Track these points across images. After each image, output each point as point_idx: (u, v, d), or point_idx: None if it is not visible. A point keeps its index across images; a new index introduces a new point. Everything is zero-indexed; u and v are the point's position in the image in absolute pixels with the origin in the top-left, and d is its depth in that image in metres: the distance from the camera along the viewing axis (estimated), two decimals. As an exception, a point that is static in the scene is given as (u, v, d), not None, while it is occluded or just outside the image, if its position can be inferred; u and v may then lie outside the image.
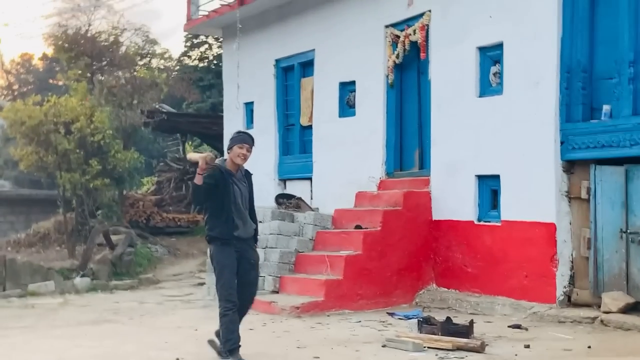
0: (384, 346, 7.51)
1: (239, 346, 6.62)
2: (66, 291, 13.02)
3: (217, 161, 6.81)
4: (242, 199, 6.78)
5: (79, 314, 10.49)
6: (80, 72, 19.02)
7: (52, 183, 19.95)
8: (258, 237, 7.18)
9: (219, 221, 6.70)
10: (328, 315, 9.73)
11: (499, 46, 10.18)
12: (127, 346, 7.85)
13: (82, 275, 13.78)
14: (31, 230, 19.54)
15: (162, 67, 27.56)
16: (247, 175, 6.95)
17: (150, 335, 8.59)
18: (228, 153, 6.88)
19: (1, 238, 20.99)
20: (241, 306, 6.73)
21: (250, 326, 8.74)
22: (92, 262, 14.43)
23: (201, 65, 30.45)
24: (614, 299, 8.71)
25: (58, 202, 17.78)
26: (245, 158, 6.77)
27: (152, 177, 26.03)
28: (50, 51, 24.83)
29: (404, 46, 11.64)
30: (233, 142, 6.80)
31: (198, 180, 6.49)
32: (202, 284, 13.27)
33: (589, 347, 7.42)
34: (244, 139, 6.80)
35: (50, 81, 34.57)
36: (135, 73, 19.73)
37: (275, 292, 10.72)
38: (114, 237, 15.95)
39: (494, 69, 10.35)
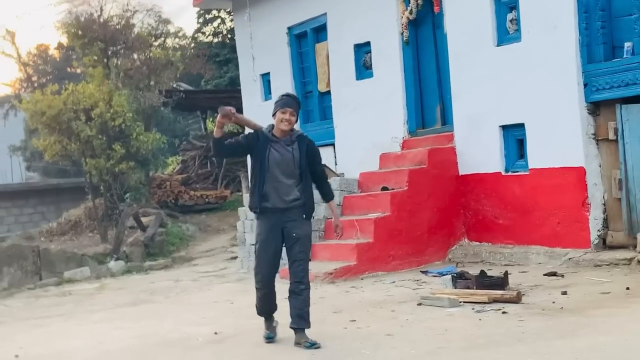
0: (419, 304, 7.52)
1: (266, 309, 6.46)
2: (101, 276, 13.14)
3: (264, 127, 6.42)
4: (283, 166, 6.23)
5: (116, 297, 10.59)
6: (95, 57, 18.98)
7: (78, 171, 20.13)
8: (331, 197, 6.76)
9: (253, 190, 6.33)
10: (362, 279, 9.73)
11: (515, -9, 10.02)
12: (165, 324, 7.91)
13: (116, 259, 13.91)
14: (62, 218, 19.75)
15: (176, 45, 27.50)
16: (301, 139, 6.39)
17: (188, 312, 8.65)
18: (273, 119, 6.39)
19: (34, 228, 21.26)
20: (295, 280, 6.26)
21: (286, 295, 8.77)
22: (124, 245, 14.57)
23: (216, 40, 30.39)
24: (649, 238, 8.63)
25: (86, 189, 17.95)
26: (290, 123, 6.27)
27: (176, 156, 26.16)
28: (64, 40, 24.83)
29: (417, 1, 11.47)
30: (276, 107, 6.36)
31: (216, 133, 6.28)
32: (234, 258, 13.33)
33: (628, 288, 7.35)
34: (286, 102, 6.34)
35: (68, 70, 34.73)
36: (150, 54, 19.67)
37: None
38: (144, 219, 16.07)
39: (510, 16, 10.17)
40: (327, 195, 6.68)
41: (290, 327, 6.24)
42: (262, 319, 6.53)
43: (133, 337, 7.34)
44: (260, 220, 6.39)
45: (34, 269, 12.96)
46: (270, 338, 6.44)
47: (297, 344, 6.14)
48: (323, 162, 12.81)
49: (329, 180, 10.37)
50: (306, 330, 6.21)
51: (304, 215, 6.37)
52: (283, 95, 6.55)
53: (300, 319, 6.21)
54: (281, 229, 6.26)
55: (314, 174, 6.45)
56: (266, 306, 6.46)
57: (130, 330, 7.77)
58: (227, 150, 6.62)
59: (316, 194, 6.55)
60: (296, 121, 6.39)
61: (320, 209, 11.14)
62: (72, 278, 12.88)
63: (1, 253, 12.95)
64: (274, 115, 6.34)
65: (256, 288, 6.42)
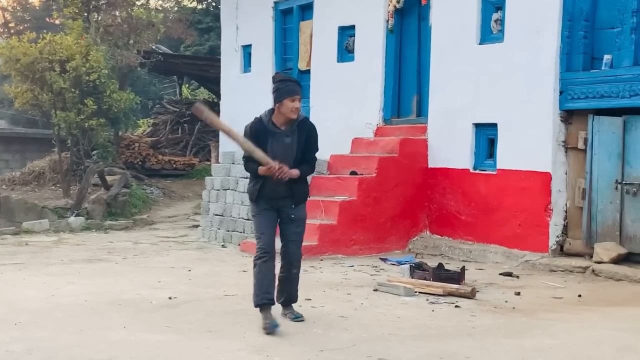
0: (375, 290, 7.57)
1: (268, 302, 5.92)
2: (60, 230, 13.06)
3: (262, 114, 6.03)
4: (282, 158, 5.86)
5: (73, 252, 10.51)
6: (76, 10, 18.66)
7: (47, 122, 19.82)
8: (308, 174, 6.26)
9: (253, 180, 6.09)
10: (321, 259, 9.77)
11: (502, -8, 10.07)
12: (121, 284, 7.88)
13: (77, 215, 13.81)
14: (26, 168, 19.50)
15: (159, 7, 27.26)
16: (302, 126, 6.04)
17: (144, 274, 8.61)
18: (276, 105, 5.93)
19: (-4, 176, 20.98)
20: (287, 263, 6.12)
21: (244, 268, 8.80)
22: (86, 201, 14.46)
23: (200, 7, 30.12)
24: (606, 249, 8.77)
25: (53, 141, 17.72)
26: (298, 111, 5.94)
27: (148, 119, 25.95)
28: (46, -11, 24.45)
29: (404, -9, 11.49)
30: (282, 94, 5.88)
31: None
32: (196, 226, 13.32)
33: (580, 296, 7.48)
34: (295, 90, 5.92)
35: (47, 20, 34.17)
36: (132, 12, 19.43)
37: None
38: (109, 178, 15.93)
39: (495, 16, 10.23)
40: (302, 171, 6.05)
41: (278, 302, 6.15)
42: (252, 308, 6.04)
43: (86, 293, 7.31)
44: (257, 203, 6.06)
45: (-8, 216, 12.84)
46: (275, 326, 5.76)
47: (284, 315, 6.15)
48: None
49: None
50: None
51: (300, 201, 6.17)
52: (285, 80, 6.10)
53: (290, 300, 6.24)
54: (277, 210, 6.07)
55: (303, 157, 6.08)
56: (263, 282, 5.91)
57: (84, 286, 7.74)
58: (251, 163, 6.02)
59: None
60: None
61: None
62: (30, 229, 12.78)
63: (-39, 197, 12.79)
64: (279, 101, 5.89)
65: (254, 262, 6.00)
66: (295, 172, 5.95)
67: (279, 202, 6.04)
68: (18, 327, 5.85)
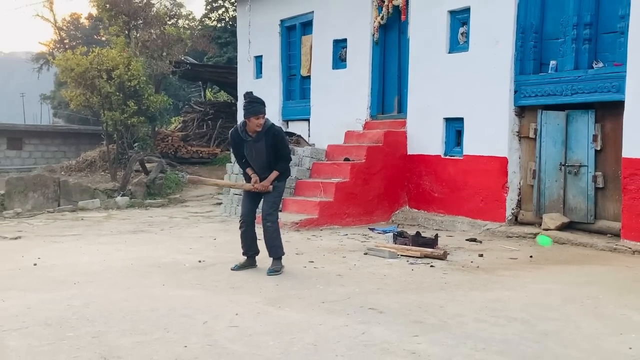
0: (365, 254, 7.58)
1: (247, 253, 6.64)
2: (109, 207, 13.05)
3: (238, 125, 6.39)
4: (257, 159, 6.38)
5: (120, 225, 10.52)
6: (118, 28, 18.63)
7: (97, 120, 19.78)
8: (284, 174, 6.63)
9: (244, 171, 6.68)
10: (321, 230, 9.78)
11: (467, 10, 10.00)
12: (159, 251, 7.89)
13: (122, 195, 13.79)
14: (80, 158, 19.52)
15: (186, 26, 27.06)
16: (268, 133, 6.28)
17: (178, 242, 8.62)
18: (245, 120, 6.28)
19: (56, 164, 20.98)
20: (262, 218, 6.47)
21: (259, 237, 8.78)
22: (130, 184, 14.44)
23: (219, 25, 30.01)
24: (552, 219, 8.78)
25: (102, 136, 17.72)
26: (261, 126, 6.21)
27: (178, 117, 25.88)
28: (94, 11, 24.27)
29: (387, 9, 11.43)
30: (249, 113, 6.18)
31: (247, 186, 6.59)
32: (219, 203, 13.32)
33: (531, 256, 7.50)
34: (259, 110, 6.20)
35: (95, 37, 34.02)
36: (164, 30, 19.34)
37: (279, 210, 10.74)
38: (148, 165, 15.93)
39: (461, 30, 10.18)
40: (278, 167, 6.48)
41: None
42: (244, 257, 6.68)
43: (132, 258, 7.31)
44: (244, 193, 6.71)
45: (54, 196, 12.81)
46: (235, 267, 6.54)
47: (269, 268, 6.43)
48: (299, 133, 12.88)
49: (302, 147, 10.43)
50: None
51: (277, 179, 6.53)
52: (252, 102, 6.24)
53: (270, 250, 6.51)
54: (259, 195, 6.56)
55: (277, 155, 6.42)
56: (244, 243, 6.61)
57: (129, 252, 7.75)
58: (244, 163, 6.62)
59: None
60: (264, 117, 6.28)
61: (293, 171, 11.16)
62: (85, 207, 12.78)
63: (28, 181, 12.76)
64: (247, 118, 6.21)
65: (239, 226, 6.62)
66: (271, 179, 6.46)
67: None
68: (76, 286, 5.85)
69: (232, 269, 6.51)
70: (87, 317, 4.74)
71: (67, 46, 31.95)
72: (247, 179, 6.63)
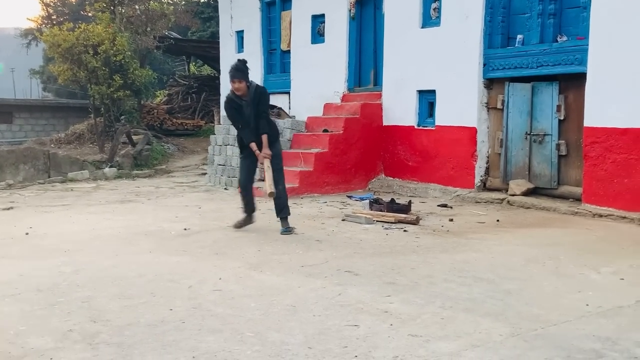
0: (343, 220, 7.64)
1: (248, 210, 6.98)
2: (97, 178, 12.94)
3: (229, 92, 6.73)
4: (247, 117, 6.64)
5: (108, 196, 10.46)
6: (104, 4, 18.23)
7: (84, 94, 19.51)
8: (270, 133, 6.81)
9: (239, 138, 6.88)
10: (301, 198, 9.81)
11: (438, -13, 9.94)
12: (146, 219, 7.88)
13: (110, 166, 13.68)
14: (69, 131, 19.23)
15: (170, 1, 26.55)
16: (256, 92, 6.68)
17: (164, 211, 8.61)
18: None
19: (46, 137, 20.70)
20: (274, 183, 6.66)
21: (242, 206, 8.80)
22: (117, 156, 14.31)
23: (202, 0, 29.47)
24: (518, 185, 8.89)
25: (90, 109, 17.46)
26: (240, 90, 6.58)
27: (163, 90, 25.57)
28: (79, -13, 23.75)
29: (363, -14, 11.32)
30: (230, 78, 6.61)
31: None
32: (204, 173, 13.27)
33: (498, 220, 7.61)
34: (232, 76, 6.58)
35: (81, 12, 33.31)
36: (148, 6, 18.98)
37: (262, 180, 10.68)
38: (134, 137, 15.73)
39: (434, 5, 10.13)
40: (262, 130, 6.68)
41: (277, 217, 6.88)
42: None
43: (120, 227, 7.31)
44: (241, 151, 6.92)
45: (44, 168, 12.68)
46: (238, 225, 6.94)
47: (282, 228, 6.75)
48: (279, 106, 12.79)
49: (282, 120, 10.39)
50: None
51: (271, 142, 6.72)
52: (231, 69, 6.61)
53: (282, 211, 6.82)
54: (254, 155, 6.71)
55: (257, 112, 6.65)
56: (246, 202, 6.97)
57: (118, 221, 7.73)
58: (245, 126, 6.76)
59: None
60: (246, 82, 6.57)
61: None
62: (74, 178, 12.66)
63: (19, 153, 12.61)
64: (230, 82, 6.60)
65: (240, 192, 7.05)
66: (265, 144, 6.66)
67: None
68: (67, 253, 5.85)
69: (234, 227, 6.91)
70: (77, 283, 4.75)
71: (54, 22, 31.23)
72: (242, 146, 6.83)
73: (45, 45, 18.61)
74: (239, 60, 6.74)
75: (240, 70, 6.61)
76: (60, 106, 26.96)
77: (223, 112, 13.62)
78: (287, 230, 6.73)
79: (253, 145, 6.66)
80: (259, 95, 6.67)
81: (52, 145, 17.14)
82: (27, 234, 6.89)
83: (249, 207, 6.99)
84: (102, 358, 3.29)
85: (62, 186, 11.89)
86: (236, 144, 7.19)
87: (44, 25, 32.45)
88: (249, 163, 6.92)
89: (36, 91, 37.21)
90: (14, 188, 11.55)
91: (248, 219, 7.02)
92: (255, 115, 6.64)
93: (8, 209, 8.99)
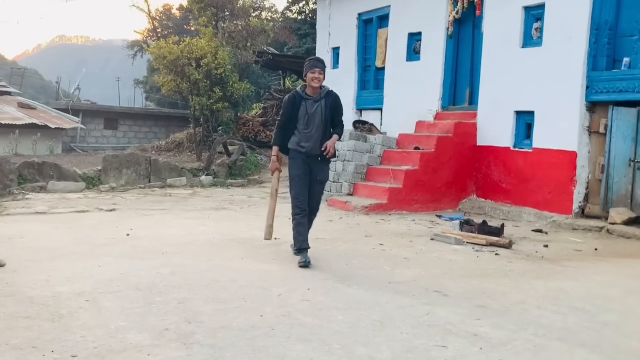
0: (432, 239, 7.56)
1: (305, 247, 5.87)
2: (194, 185, 13.42)
3: (297, 88, 6.07)
4: (314, 119, 5.90)
5: (203, 202, 10.81)
6: (207, 19, 19.00)
7: (185, 105, 20.31)
8: (340, 136, 6.11)
9: (289, 135, 6.04)
10: (389, 214, 9.78)
11: (542, 6, 9.72)
12: (239, 226, 8.10)
13: (206, 174, 14.15)
14: (169, 139, 20.14)
15: (269, 18, 27.33)
16: (328, 95, 5.98)
17: (255, 219, 8.77)
18: (304, 79, 6.02)
19: (148, 144, 21.71)
20: (310, 212, 6.07)
21: (330, 219, 8.90)
22: (213, 165, 14.79)
23: (299, 17, 30.11)
24: (619, 213, 8.49)
25: (189, 119, 18.22)
26: (319, 80, 5.90)
27: (259, 103, 26.23)
28: (185, 3, 24.88)
29: (463, 4, 11.22)
30: (306, 69, 5.92)
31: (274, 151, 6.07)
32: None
33: (596, 249, 7.29)
34: (314, 64, 5.91)
35: (185, 27, 34.81)
36: (249, 22, 19.62)
37: (350, 194, 10.82)
38: (230, 147, 16.25)
39: (535, 25, 9.90)
40: (337, 131, 6.07)
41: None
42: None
43: (214, 232, 7.54)
44: (295, 160, 5.99)
45: (145, 173, 13.28)
46: (308, 262, 5.76)
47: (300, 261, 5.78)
48: (371, 122, 12.86)
49: (374, 135, 10.24)
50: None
51: (328, 162, 6.14)
52: (311, 59, 6.09)
53: (305, 242, 5.90)
54: (309, 169, 5.98)
55: (333, 120, 6.01)
56: (302, 235, 5.89)
57: (212, 227, 7.98)
58: (285, 127, 6.06)
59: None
60: (323, 79, 5.97)
61: (364, 157, 11.19)
62: (172, 184, 13.19)
63: (122, 158, 13.28)
64: (305, 75, 5.94)
65: (294, 216, 5.94)
66: (334, 142, 5.96)
67: (311, 159, 5.97)
68: (164, 255, 6.09)
69: (301, 265, 5.72)
70: (173, 284, 4.95)
71: (159, 35, 32.83)
72: (278, 139, 6.06)
73: (150, 57, 19.58)
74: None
75: (322, 62, 6.07)
76: (162, 115, 28.23)
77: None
78: (305, 261, 5.76)
79: (275, 149, 6.03)
80: (335, 99, 6.01)
81: (153, 152, 17.99)
82: (127, 235, 7.24)
83: (306, 239, 5.91)
84: (195, 358, 3.41)
85: (161, 191, 12.40)
86: (290, 147, 6.06)
87: (149, 38, 34.16)
88: (304, 183, 5.97)
89: (139, 100, 39.15)
90: (116, 191, 12.17)
91: (305, 252, 5.84)
92: (326, 119, 5.94)
93: (111, 210, 9.48)
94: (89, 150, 23.80)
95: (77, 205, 9.80)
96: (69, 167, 13.13)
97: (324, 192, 10.28)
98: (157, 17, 37.53)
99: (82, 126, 25.88)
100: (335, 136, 6.02)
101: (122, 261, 5.78)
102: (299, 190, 5.95)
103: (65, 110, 25.92)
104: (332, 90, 6.08)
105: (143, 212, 9.29)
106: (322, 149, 5.94)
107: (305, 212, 5.95)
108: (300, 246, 5.88)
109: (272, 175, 6.15)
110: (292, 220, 5.99)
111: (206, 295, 4.63)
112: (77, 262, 5.68)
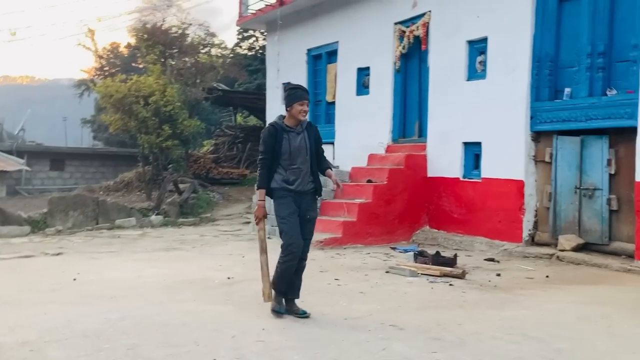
0: (387, 272, 7.57)
1: (290, 295, 5.36)
2: (144, 226, 13.19)
3: (275, 120, 5.37)
4: (298, 153, 5.25)
5: (154, 243, 10.63)
6: (155, 57, 18.93)
7: (134, 143, 20.04)
8: (332, 169, 5.54)
9: (273, 174, 5.30)
10: (344, 248, 9.79)
11: (484, 40, 10.03)
12: (191, 267, 7.95)
13: (157, 214, 13.94)
14: (118, 179, 19.78)
15: (219, 54, 27.39)
16: (309, 128, 5.38)
17: (208, 260, 8.68)
18: (287, 110, 5.30)
19: (96, 184, 21.28)
20: (301, 257, 5.30)
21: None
22: (164, 204, 14.59)
23: (250, 53, 30.28)
24: (567, 240, 8.68)
25: (138, 158, 17.94)
26: (306, 113, 5.30)
27: (210, 140, 26.14)
28: (132, 41, 24.74)
29: (409, 39, 11.50)
30: (292, 99, 5.25)
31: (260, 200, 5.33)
32: (248, 222, 13.37)
33: (547, 276, 7.42)
34: (301, 95, 5.26)
35: (133, 64, 34.59)
36: (198, 58, 19.65)
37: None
38: (181, 185, 16.08)
39: (479, 58, 10.20)
40: (330, 165, 5.55)
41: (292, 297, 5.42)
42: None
43: (165, 274, 7.38)
44: (283, 199, 5.26)
45: (93, 215, 12.99)
46: (280, 312, 5.28)
47: (290, 311, 5.30)
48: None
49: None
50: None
51: (317, 198, 5.48)
52: (296, 88, 5.36)
53: (297, 290, 5.42)
54: (298, 207, 5.28)
55: (317, 153, 5.41)
56: (288, 280, 5.30)
57: (163, 269, 7.82)
58: (271, 164, 5.31)
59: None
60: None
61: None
62: (122, 225, 12.93)
63: (69, 200, 12.98)
64: (290, 105, 5.26)
65: (284, 261, 5.21)
66: (335, 178, 5.40)
67: (300, 196, 5.29)
68: (113, 300, 5.93)
69: (277, 315, 5.24)
70: (122, 329, 4.80)
71: (106, 73, 32.50)
72: (264, 180, 5.29)
73: (97, 96, 19.34)
74: (290, 83, 5.71)
75: (308, 92, 5.45)
76: (110, 155, 27.77)
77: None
78: (304, 313, 5.29)
79: (262, 193, 5.29)
80: (316, 131, 5.45)
81: (101, 193, 17.63)
82: (75, 279, 7.02)
83: (294, 287, 5.36)
84: (145, 407, 3.30)
85: (110, 233, 12.13)
86: (276, 187, 5.31)
87: (96, 76, 33.76)
88: (297, 223, 5.23)
89: (87, 140, 38.50)
90: (63, 234, 11.85)
91: (291, 305, 5.33)
92: (312, 152, 5.33)
93: (57, 254, 9.21)
94: (35, 193, 23.16)
95: (22, 250, 9.50)
96: (14, 210, 12.74)
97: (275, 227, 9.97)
98: (104, 56, 37.16)
99: (27, 168, 25.21)
100: (329, 171, 5.44)
101: (68, 307, 5.59)
102: (294, 233, 5.18)
103: (10, 152, 25.23)
104: (311, 122, 5.56)
105: (91, 256, 9.06)
106: (333, 184, 5.38)
107: (298, 259, 5.23)
108: (281, 290, 5.30)
109: (257, 224, 5.42)
110: (279, 266, 5.27)
111: (157, 340, 4.50)
112: (22, 310, 5.47)
